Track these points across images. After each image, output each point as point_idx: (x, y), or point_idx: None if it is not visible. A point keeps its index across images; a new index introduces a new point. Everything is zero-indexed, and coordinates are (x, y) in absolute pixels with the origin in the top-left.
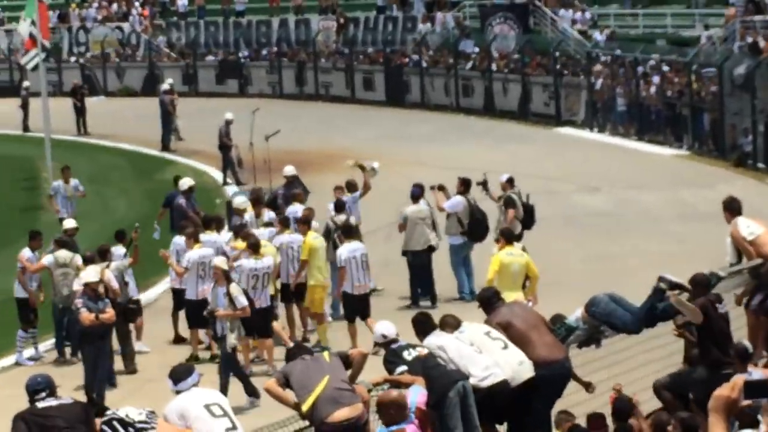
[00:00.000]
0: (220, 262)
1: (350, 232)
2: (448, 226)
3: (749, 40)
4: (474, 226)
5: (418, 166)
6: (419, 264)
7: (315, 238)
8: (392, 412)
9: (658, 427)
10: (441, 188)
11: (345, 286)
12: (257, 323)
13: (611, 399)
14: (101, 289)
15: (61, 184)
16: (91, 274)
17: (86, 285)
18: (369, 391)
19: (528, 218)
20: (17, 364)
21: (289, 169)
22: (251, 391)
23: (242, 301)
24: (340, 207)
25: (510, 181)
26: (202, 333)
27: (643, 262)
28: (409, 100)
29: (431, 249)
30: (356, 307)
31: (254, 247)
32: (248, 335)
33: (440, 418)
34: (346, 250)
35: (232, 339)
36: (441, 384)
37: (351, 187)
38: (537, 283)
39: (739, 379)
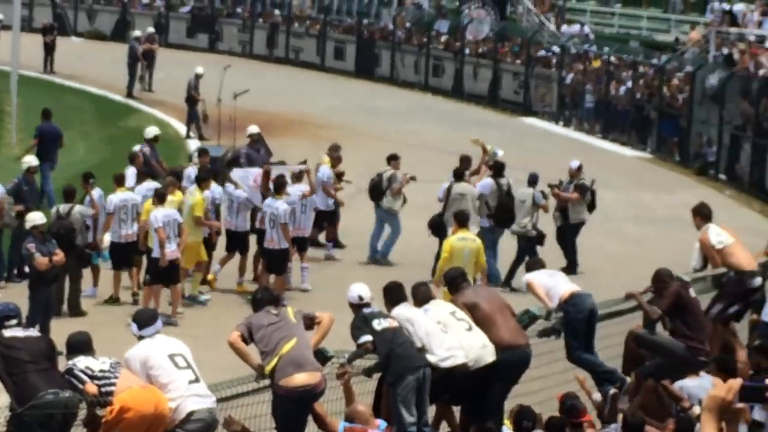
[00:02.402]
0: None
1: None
2: (478, 207)
3: (725, 51)
4: (499, 211)
5: (380, 140)
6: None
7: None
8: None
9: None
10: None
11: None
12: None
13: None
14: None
15: None
16: (37, 217)
17: (34, 228)
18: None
19: (592, 203)
20: None
21: (254, 129)
22: None
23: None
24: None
25: (579, 168)
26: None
27: (597, 259)
28: (378, 74)
29: (535, 231)
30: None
31: (161, 198)
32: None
33: (394, 396)
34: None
35: None
36: (403, 365)
37: (463, 161)
38: (484, 273)
39: (735, 382)
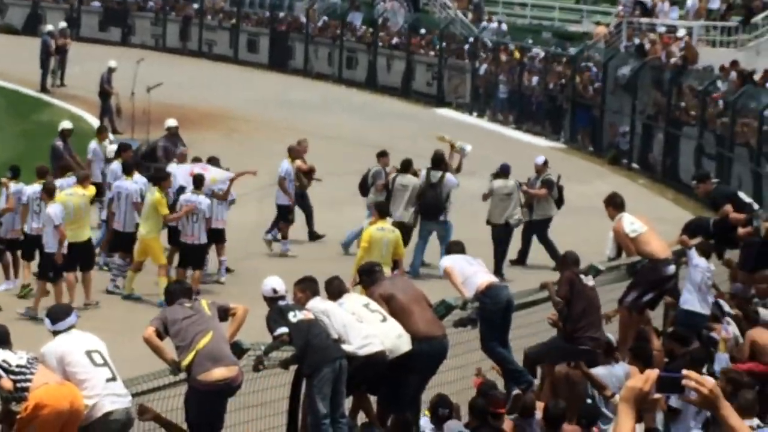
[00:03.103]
0: None
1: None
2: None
3: (636, 41)
4: (424, 204)
5: (294, 132)
6: (496, 237)
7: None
8: None
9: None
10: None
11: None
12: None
13: (475, 383)
14: None
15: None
16: None
17: None
18: None
19: (560, 199)
20: None
21: (172, 122)
22: None
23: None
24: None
25: (545, 164)
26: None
27: (512, 250)
28: (292, 66)
29: (508, 225)
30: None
31: (50, 193)
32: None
33: (310, 388)
34: None
35: None
36: (320, 356)
37: (437, 162)
38: (401, 264)
39: (652, 373)
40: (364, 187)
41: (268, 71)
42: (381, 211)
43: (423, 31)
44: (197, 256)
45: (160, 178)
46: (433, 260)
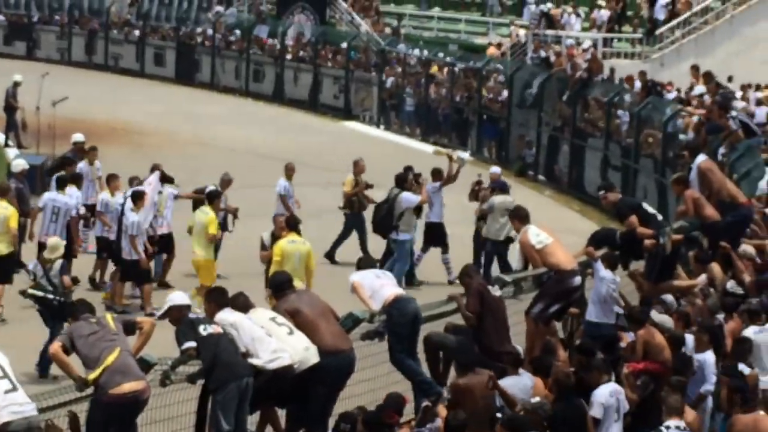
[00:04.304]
0: None
1: None
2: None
3: (542, 53)
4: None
5: (201, 146)
6: (496, 252)
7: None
8: None
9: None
10: None
11: None
12: None
13: None
14: None
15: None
16: None
17: None
18: None
19: None
20: None
21: (79, 136)
22: None
23: None
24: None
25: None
26: None
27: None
28: (199, 80)
29: (509, 240)
30: None
31: None
32: None
33: (215, 402)
34: None
35: None
36: (227, 373)
37: (435, 174)
38: (312, 276)
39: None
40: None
41: (174, 85)
42: (291, 224)
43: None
44: (133, 272)
45: (214, 196)
46: None
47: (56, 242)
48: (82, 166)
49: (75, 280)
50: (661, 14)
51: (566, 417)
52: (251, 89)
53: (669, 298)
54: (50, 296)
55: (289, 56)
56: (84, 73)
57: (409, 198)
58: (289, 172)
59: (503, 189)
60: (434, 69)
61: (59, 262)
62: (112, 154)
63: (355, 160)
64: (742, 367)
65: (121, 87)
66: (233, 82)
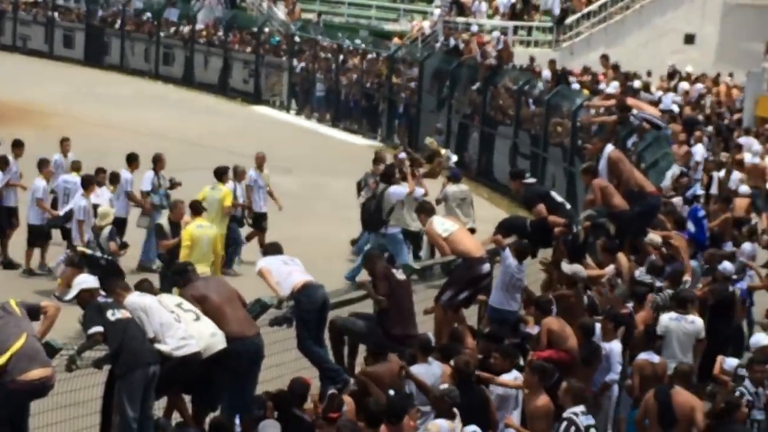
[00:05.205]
0: None
1: None
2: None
3: (452, 40)
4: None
5: (107, 128)
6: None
7: None
8: None
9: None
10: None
11: None
12: None
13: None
14: None
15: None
16: None
17: None
18: None
19: None
20: None
21: None
22: None
23: None
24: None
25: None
26: None
27: (326, 249)
28: (108, 62)
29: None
30: None
31: None
32: None
33: (120, 389)
34: None
35: None
36: (134, 359)
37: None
38: (220, 260)
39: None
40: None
41: (83, 66)
42: (195, 209)
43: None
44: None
45: (221, 174)
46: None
47: (106, 210)
48: (57, 158)
49: (124, 245)
50: (556, 8)
51: (468, 404)
52: (161, 72)
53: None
54: (98, 254)
55: (202, 40)
56: None
57: (397, 191)
58: (259, 161)
59: (456, 178)
60: (354, 59)
61: (108, 228)
62: (17, 135)
63: (257, 154)
64: (651, 356)
65: (29, 68)
66: (143, 64)
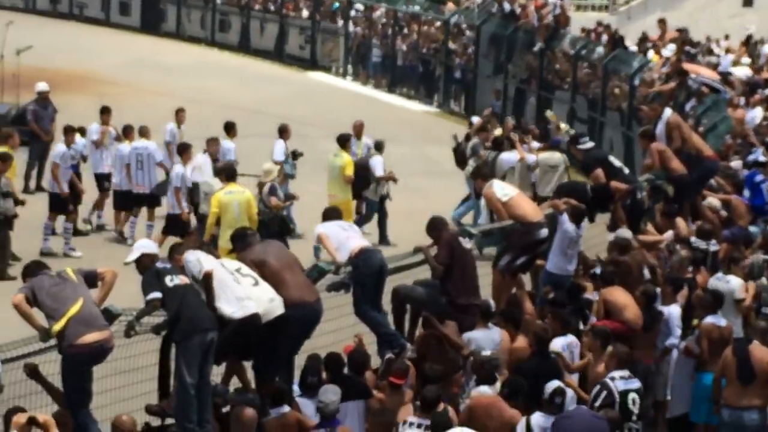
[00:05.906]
0: None
1: None
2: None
3: (507, 6)
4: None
5: (166, 96)
6: None
7: None
8: None
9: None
10: None
11: None
12: None
13: (346, 349)
14: None
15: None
16: None
17: None
18: None
19: None
20: None
21: (43, 86)
22: None
23: None
24: None
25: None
26: None
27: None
28: (164, 29)
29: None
30: None
31: None
32: None
33: (178, 355)
34: None
35: None
36: (192, 326)
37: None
38: (256, 225)
39: None
40: (462, 161)
41: (140, 34)
42: (228, 175)
43: None
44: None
45: (344, 141)
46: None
47: (270, 167)
48: (171, 126)
49: (291, 196)
50: None
51: (543, 372)
52: (217, 39)
53: None
54: (261, 206)
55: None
56: (49, 21)
57: (509, 158)
58: (357, 130)
59: (555, 146)
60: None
61: (268, 185)
62: (75, 104)
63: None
64: (718, 319)
65: (85, 36)
66: (199, 31)
